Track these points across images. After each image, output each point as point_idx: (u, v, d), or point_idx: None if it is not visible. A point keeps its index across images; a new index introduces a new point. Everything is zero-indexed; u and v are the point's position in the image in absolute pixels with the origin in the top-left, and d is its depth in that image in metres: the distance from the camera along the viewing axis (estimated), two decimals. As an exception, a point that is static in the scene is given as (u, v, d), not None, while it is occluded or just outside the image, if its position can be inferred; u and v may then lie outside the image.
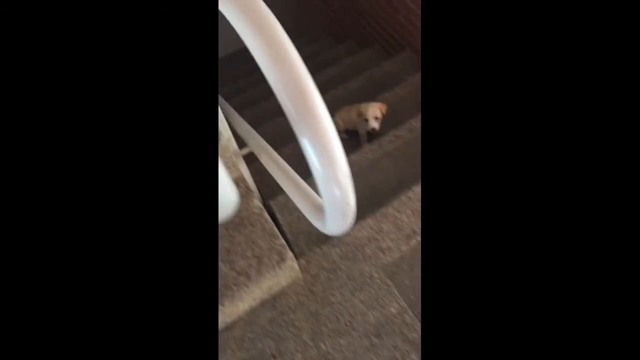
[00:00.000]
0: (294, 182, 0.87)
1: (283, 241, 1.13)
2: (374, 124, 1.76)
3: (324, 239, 1.34)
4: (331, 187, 0.58)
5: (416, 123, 1.76)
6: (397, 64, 2.37)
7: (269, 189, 1.65)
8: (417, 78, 2.10)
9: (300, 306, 1.17)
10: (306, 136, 0.51)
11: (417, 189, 1.40)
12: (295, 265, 1.16)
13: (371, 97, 2.19)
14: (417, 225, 1.31)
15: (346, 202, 0.62)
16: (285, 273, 1.14)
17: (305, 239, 1.41)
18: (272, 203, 1.54)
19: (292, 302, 1.18)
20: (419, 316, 1.15)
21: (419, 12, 2.12)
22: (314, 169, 0.54)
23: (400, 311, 1.16)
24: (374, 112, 1.76)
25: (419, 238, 1.29)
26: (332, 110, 2.06)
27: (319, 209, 0.78)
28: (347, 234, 1.31)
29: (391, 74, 2.34)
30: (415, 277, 1.22)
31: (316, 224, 0.79)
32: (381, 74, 2.36)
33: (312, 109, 0.52)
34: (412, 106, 2.02)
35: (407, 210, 1.35)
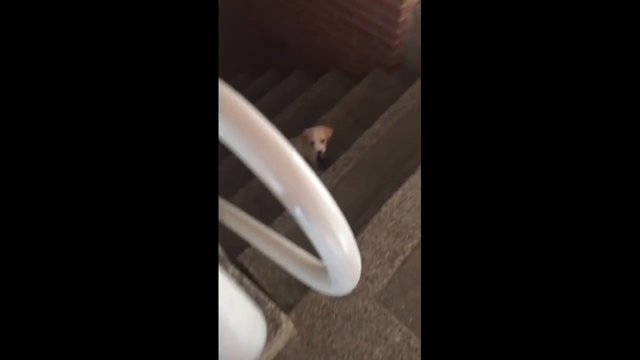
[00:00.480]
0: (282, 248, 0.80)
1: (272, 304, 1.04)
2: (320, 146, 1.73)
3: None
4: (337, 251, 0.53)
5: (364, 141, 1.77)
6: (326, 85, 2.40)
7: (230, 242, 1.54)
8: (349, 96, 2.13)
9: (304, 366, 1.08)
10: (300, 206, 0.45)
11: (385, 208, 1.40)
12: (290, 324, 1.07)
13: (310, 122, 2.18)
14: (396, 244, 1.30)
15: (354, 263, 0.57)
16: (282, 337, 1.05)
17: (286, 289, 1.32)
18: (240, 258, 1.43)
19: (294, 363, 1.09)
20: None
21: (334, 33, 2.17)
22: (314, 236, 0.49)
23: (404, 337, 1.13)
24: (319, 134, 1.74)
25: (401, 257, 1.28)
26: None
27: (319, 271, 0.72)
28: (330, 272, 1.26)
29: (323, 96, 2.36)
30: (410, 298, 1.20)
31: (317, 286, 0.73)
32: (313, 96, 2.36)
33: (305, 183, 0.47)
34: (352, 124, 2.04)
35: (382, 232, 1.33)
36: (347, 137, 1.98)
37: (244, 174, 2.04)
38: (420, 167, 1.48)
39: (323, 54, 2.39)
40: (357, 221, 1.54)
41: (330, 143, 1.94)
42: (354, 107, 2.13)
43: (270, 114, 2.37)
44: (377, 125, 1.81)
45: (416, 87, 1.90)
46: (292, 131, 2.19)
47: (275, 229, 1.52)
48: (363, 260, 1.28)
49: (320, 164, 1.86)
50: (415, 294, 1.20)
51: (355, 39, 2.11)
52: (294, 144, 1.82)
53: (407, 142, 1.75)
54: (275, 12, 2.44)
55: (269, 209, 1.84)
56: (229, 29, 3.00)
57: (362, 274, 1.24)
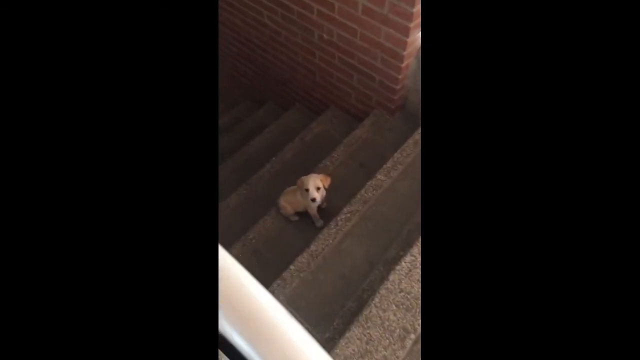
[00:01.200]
0: None
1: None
2: (315, 194, 1.59)
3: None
4: None
5: (367, 193, 1.69)
6: (326, 123, 2.32)
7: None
8: (351, 138, 2.06)
9: None
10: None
11: (392, 276, 1.31)
12: None
13: (309, 164, 2.10)
14: (406, 320, 1.21)
15: None
16: None
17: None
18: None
19: None
20: None
21: (334, 73, 2.11)
22: None
23: None
24: (315, 182, 1.61)
25: (413, 335, 1.18)
26: (276, 192, 1.93)
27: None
28: (336, 355, 1.16)
29: (323, 135, 2.28)
30: (423, 387, 1.10)
31: None
32: (312, 136, 2.29)
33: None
34: (356, 167, 1.96)
35: (390, 306, 1.24)
36: (350, 182, 1.91)
37: (241, 225, 1.96)
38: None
39: (323, 91, 2.33)
40: (363, 284, 1.45)
41: (331, 189, 1.86)
42: (357, 149, 2.05)
43: (270, 152, 2.30)
44: (380, 176, 1.73)
45: (419, 134, 1.83)
46: (293, 172, 2.11)
47: (274, 293, 1.43)
48: (371, 339, 1.18)
49: (320, 213, 1.77)
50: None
51: (356, 79, 2.05)
52: (293, 193, 1.73)
53: (412, 194, 1.67)
54: (273, 48, 2.38)
55: (267, 262, 1.75)
56: (228, 61, 2.94)
57: (369, 357, 1.14)
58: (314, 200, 1.57)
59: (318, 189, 1.58)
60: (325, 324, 1.36)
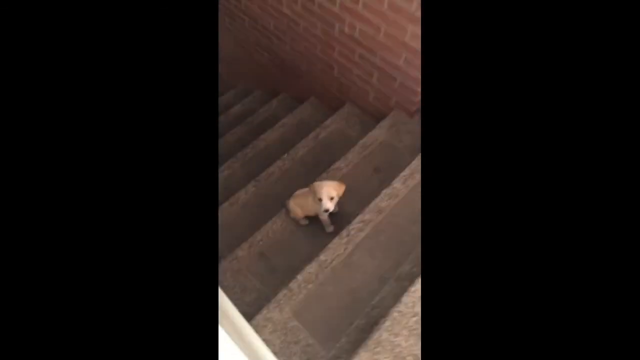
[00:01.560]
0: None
1: None
2: (328, 205, 1.50)
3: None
4: None
5: (382, 202, 1.60)
6: (341, 121, 2.23)
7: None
8: (368, 139, 1.96)
9: None
10: None
11: (406, 298, 1.24)
12: None
13: (322, 164, 2.02)
14: (418, 348, 1.14)
15: None
16: None
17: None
18: None
19: None
20: None
21: (353, 69, 2.00)
22: None
23: None
24: (329, 191, 1.52)
25: (424, 365, 1.12)
26: (286, 191, 1.86)
27: None
28: (342, 379, 1.11)
29: (337, 133, 2.19)
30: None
31: None
32: (326, 134, 2.20)
33: None
34: (370, 171, 1.87)
35: (402, 331, 1.18)
36: (363, 187, 1.82)
37: (249, 224, 1.90)
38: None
39: (341, 87, 2.22)
40: (372, 301, 1.38)
41: (344, 193, 1.78)
42: (372, 152, 1.96)
43: (281, 147, 2.22)
44: (397, 184, 1.64)
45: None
46: (304, 171, 2.04)
47: (280, 303, 1.38)
48: (380, 366, 1.12)
49: (331, 218, 1.70)
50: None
51: (376, 78, 1.94)
52: (304, 197, 1.66)
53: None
54: (290, 39, 2.27)
55: (274, 267, 1.70)
56: (244, 48, 2.83)
57: (378, 386, 1.08)
58: (326, 210, 1.50)
59: (331, 198, 1.50)
60: (331, 341, 1.31)
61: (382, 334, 1.17)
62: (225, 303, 1.02)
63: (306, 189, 1.70)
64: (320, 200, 1.51)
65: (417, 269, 1.41)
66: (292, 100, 2.73)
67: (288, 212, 1.75)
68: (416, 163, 1.69)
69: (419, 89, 1.77)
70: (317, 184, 1.56)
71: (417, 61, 1.66)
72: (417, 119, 1.98)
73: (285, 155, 2.13)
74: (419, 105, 1.91)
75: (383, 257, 1.48)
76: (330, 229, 1.70)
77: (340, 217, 1.72)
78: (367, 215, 1.57)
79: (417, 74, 1.72)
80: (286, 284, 1.45)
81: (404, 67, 1.73)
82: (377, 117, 2.11)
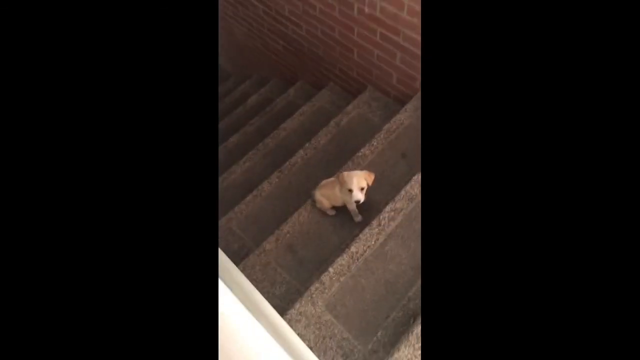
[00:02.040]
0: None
1: None
2: (359, 196, 1.45)
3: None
4: None
5: (413, 189, 1.53)
6: (363, 106, 2.15)
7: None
8: (393, 124, 1.88)
9: None
10: None
11: (447, 289, 1.17)
12: None
13: (346, 151, 1.95)
14: (462, 341, 1.08)
15: None
16: None
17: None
18: None
19: None
20: None
21: (375, 50, 1.91)
22: None
23: None
24: (359, 181, 1.46)
25: None
26: (310, 180, 1.80)
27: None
28: (383, 376, 1.06)
29: (360, 119, 2.11)
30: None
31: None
32: (348, 120, 2.12)
33: None
34: (398, 158, 1.80)
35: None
36: (391, 174, 1.75)
37: (274, 216, 1.86)
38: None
39: (361, 71, 2.13)
40: (409, 292, 1.33)
41: (373, 183, 1.71)
42: (398, 137, 1.88)
43: (302, 136, 2.16)
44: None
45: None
46: (328, 160, 1.98)
47: (312, 297, 1.33)
48: None
49: (359, 208, 1.64)
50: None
51: (399, 58, 1.84)
52: (331, 187, 1.60)
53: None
54: (306, 23, 2.18)
55: (303, 259, 1.66)
56: (257, 37, 2.76)
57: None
58: (358, 201, 1.44)
59: (362, 188, 1.44)
60: (367, 335, 1.26)
61: (415, 329, 1.11)
62: (258, 298, 0.98)
63: (332, 179, 1.64)
64: (350, 191, 1.46)
65: (455, 257, 1.34)
66: (310, 87, 2.65)
67: (314, 202, 1.70)
68: (447, 146, 1.61)
69: (447, 68, 1.67)
70: (346, 174, 1.49)
71: (445, 37, 1.56)
72: (445, 99, 1.88)
73: (307, 144, 2.07)
74: (446, 85, 1.82)
75: (417, 247, 1.41)
76: (358, 218, 1.64)
77: (369, 206, 1.65)
78: (398, 203, 1.50)
79: (444, 51, 1.61)
80: (317, 277, 1.41)
81: (430, 44, 1.63)
82: (402, 100, 2.02)
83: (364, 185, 1.46)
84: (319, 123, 2.27)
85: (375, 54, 1.94)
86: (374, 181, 1.50)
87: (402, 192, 1.53)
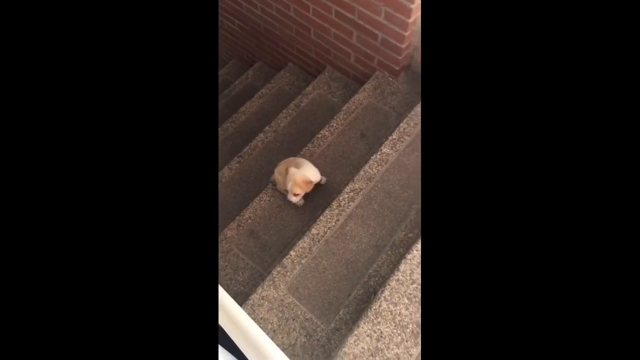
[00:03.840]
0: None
1: None
2: (293, 199, 1.50)
3: (318, 365, 1.09)
4: None
5: (371, 169, 1.54)
6: (322, 87, 2.12)
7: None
8: (352, 104, 1.87)
9: None
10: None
11: (403, 266, 1.20)
12: None
13: (306, 133, 1.93)
14: (419, 316, 1.12)
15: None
16: None
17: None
18: None
19: None
20: None
21: (331, 29, 1.87)
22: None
23: None
24: (293, 188, 1.47)
25: (426, 330, 1.10)
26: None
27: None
28: (344, 354, 1.08)
29: (320, 100, 2.09)
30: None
31: None
32: (308, 101, 2.09)
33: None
34: (357, 138, 1.80)
35: (402, 299, 1.15)
36: (351, 154, 1.75)
37: (235, 202, 1.83)
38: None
39: (319, 50, 2.09)
40: (369, 270, 1.35)
41: (331, 162, 1.71)
42: (357, 117, 1.88)
43: (262, 119, 2.12)
44: (385, 149, 1.58)
45: (430, 100, 1.65)
46: (289, 142, 1.96)
47: (274, 281, 1.33)
48: (382, 336, 1.10)
49: (319, 191, 1.63)
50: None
51: (356, 37, 1.82)
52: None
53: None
54: (260, 1, 2.10)
55: (265, 244, 1.64)
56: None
57: (381, 355, 1.06)
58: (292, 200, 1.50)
59: (295, 195, 1.48)
60: (330, 314, 1.28)
61: (382, 303, 1.14)
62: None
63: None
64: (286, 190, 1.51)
65: (412, 234, 1.37)
66: (270, 68, 2.59)
67: (275, 185, 1.68)
68: (404, 125, 1.62)
69: (403, 46, 1.67)
70: (292, 171, 1.48)
71: (399, 15, 1.55)
72: (402, 78, 1.89)
73: (267, 127, 2.03)
74: (403, 64, 1.82)
75: (377, 226, 1.43)
76: (298, 203, 1.63)
77: (330, 189, 1.66)
78: (357, 183, 1.51)
79: (399, 29, 1.61)
80: (279, 261, 1.41)
81: (385, 22, 1.62)
82: (361, 80, 2.01)
83: (298, 192, 1.47)
84: (279, 105, 2.22)
85: (332, 32, 1.91)
86: (333, 161, 1.50)
87: (361, 173, 1.53)
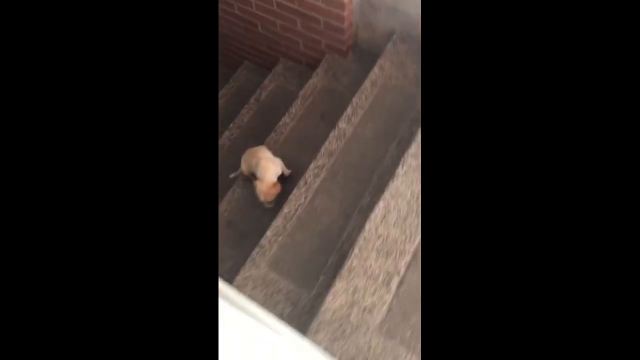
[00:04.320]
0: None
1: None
2: (268, 205, 1.65)
3: (302, 327, 1.18)
4: None
5: (331, 145, 1.63)
6: (279, 78, 2.19)
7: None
8: (307, 89, 1.95)
9: None
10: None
11: (368, 224, 1.30)
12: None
13: (270, 123, 2.01)
14: (388, 264, 1.22)
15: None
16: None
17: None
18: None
19: None
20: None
21: (277, 20, 1.94)
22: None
23: (414, 367, 1.08)
24: (266, 197, 1.61)
25: (397, 278, 1.20)
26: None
27: None
28: (325, 310, 1.17)
29: (278, 91, 2.16)
30: (414, 324, 1.13)
31: None
32: (267, 94, 2.16)
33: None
34: (317, 119, 1.88)
35: (371, 254, 1.24)
36: (313, 136, 1.83)
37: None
38: (398, 170, 1.37)
39: (270, 43, 2.17)
40: (342, 237, 1.44)
41: (295, 146, 1.79)
42: (315, 100, 1.96)
43: (226, 118, 2.18)
44: (342, 124, 1.67)
45: (376, 73, 1.74)
46: (253, 135, 2.02)
47: (255, 261, 1.41)
48: (357, 289, 1.19)
49: (291, 180, 1.71)
50: (418, 318, 1.14)
51: (300, 25, 1.90)
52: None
53: (377, 138, 1.62)
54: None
55: (243, 232, 1.72)
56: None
57: (358, 307, 1.16)
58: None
59: (268, 202, 1.63)
60: (310, 282, 1.36)
61: (353, 261, 1.23)
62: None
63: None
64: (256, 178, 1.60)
65: (376, 198, 1.46)
66: (227, 69, 2.64)
67: (244, 175, 1.76)
68: (357, 99, 1.71)
69: (345, 26, 1.76)
70: (257, 185, 1.59)
71: (335, -3, 1.63)
72: (351, 57, 1.98)
73: (231, 124, 2.09)
74: (349, 43, 1.91)
75: (343, 196, 1.52)
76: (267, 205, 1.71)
77: (298, 170, 1.74)
78: (319, 160, 1.60)
79: (337, 10, 1.69)
80: (257, 243, 1.48)
81: (323, 5, 1.70)
82: (312, 65, 2.09)
83: (271, 198, 1.61)
84: (240, 103, 2.29)
85: (277, 24, 1.98)
86: (298, 145, 1.60)
87: (322, 150, 1.62)
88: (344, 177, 1.57)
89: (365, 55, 1.94)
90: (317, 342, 1.12)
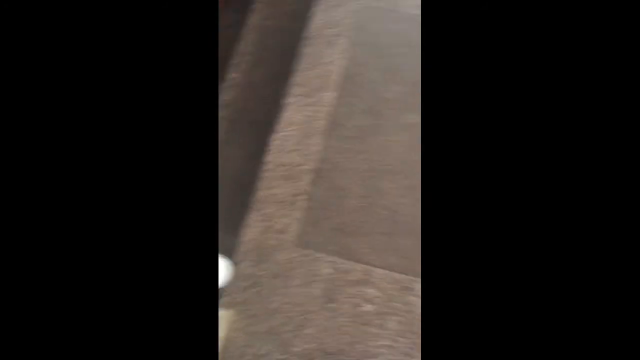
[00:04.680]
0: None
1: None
2: None
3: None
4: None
5: (228, 96, 1.65)
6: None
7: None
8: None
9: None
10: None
11: (270, 157, 1.36)
12: (224, 311, 1.06)
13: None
14: (291, 188, 1.30)
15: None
16: (223, 327, 1.03)
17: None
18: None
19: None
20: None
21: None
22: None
23: (332, 266, 1.18)
24: None
25: (303, 196, 1.28)
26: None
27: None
28: (244, 243, 1.24)
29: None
30: (325, 229, 1.23)
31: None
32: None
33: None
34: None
35: (273, 182, 1.31)
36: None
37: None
38: (291, 100, 1.44)
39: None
40: (247, 177, 1.50)
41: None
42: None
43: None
44: (232, 75, 1.68)
45: (256, 18, 1.77)
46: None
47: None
48: (269, 217, 1.27)
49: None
50: (328, 223, 1.24)
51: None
52: None
53: (269, 81, 1.67)
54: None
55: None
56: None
57: (272, 231, 1.24)
58: None
59: None
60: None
61: (260, 193, 1.30)
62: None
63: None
64: None
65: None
66: None
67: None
68: (242, 47, 1.73)
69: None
70: None
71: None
72: (228, 9, 1.97)
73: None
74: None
75: (246, 143, 1.57)
76: None
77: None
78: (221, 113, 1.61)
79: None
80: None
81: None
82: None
83: None
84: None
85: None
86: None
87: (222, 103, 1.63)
88: (244, 127, 1.61)
89: (242, 3, 1.94)
90: (243, 270, 1.19)
